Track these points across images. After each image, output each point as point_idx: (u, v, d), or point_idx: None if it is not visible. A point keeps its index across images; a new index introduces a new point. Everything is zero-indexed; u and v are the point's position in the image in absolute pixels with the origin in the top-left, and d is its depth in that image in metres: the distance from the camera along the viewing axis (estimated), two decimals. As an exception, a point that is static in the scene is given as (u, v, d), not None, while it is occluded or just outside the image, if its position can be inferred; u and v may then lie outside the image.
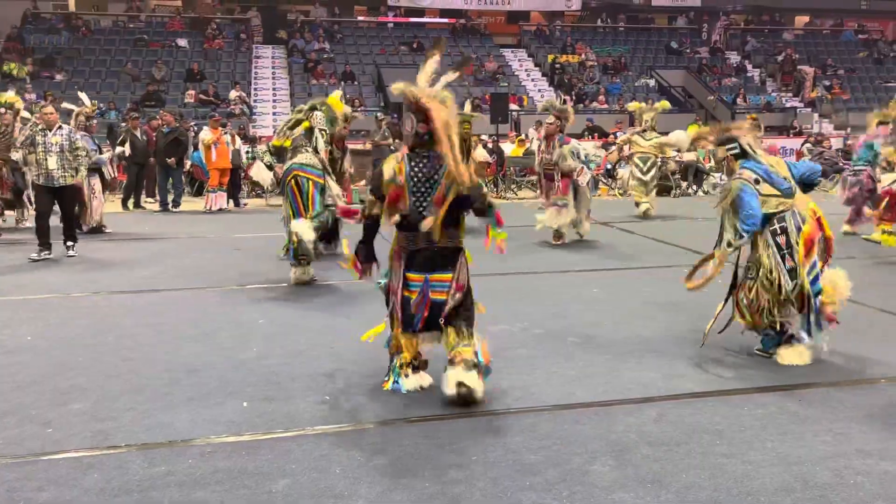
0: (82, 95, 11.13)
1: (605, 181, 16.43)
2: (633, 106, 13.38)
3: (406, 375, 4.08)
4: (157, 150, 13.20)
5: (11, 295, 6.57)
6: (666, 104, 14.06)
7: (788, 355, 4.63)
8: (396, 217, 3.97)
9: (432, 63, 3.99)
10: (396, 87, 4.02)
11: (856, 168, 9.95)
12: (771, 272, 4.59)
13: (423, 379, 4.13)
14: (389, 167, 3.97)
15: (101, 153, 10.61)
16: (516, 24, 26.93)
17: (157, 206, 13.39)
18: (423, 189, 3.93)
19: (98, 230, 10.50)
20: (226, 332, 5.38)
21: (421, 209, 3.93)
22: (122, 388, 4.22)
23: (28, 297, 6.53)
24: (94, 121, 10.88)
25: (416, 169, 3.93)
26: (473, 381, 3.83)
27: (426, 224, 3.88)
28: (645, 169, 11.93)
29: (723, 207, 4.70)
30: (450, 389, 3.84)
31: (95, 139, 10.70)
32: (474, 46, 24.71)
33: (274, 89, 22.21)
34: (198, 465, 3.26)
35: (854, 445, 3.44)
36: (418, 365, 4.15)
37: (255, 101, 21.41)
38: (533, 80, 23.99)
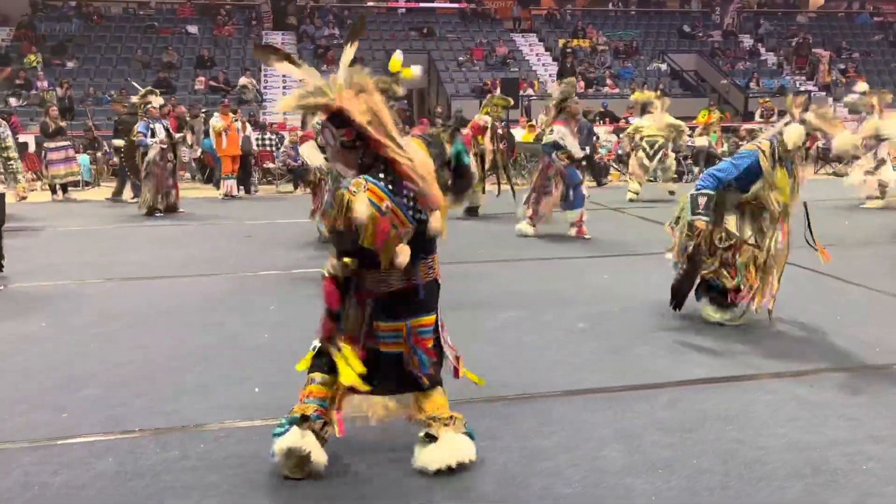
0: (134, 84, 11.40)
1: (616, 167, 16.35)
2: (638, 96, 13.25)
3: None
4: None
5: (23, 282, 6.63)
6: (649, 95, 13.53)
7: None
8: (406, 250, 2.90)
9: (349, 53, 3.06)
10: (286, 105, 3.03)
11: None
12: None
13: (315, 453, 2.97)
14: (361, 203, 2.77)
15: (152, 136, 10.69)
16: (527, 9, 26.73)
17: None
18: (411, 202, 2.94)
19: (173, 209, 10.87)
20: (237, 318, 5.41)
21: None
22: (135, 374, 4.25)
23: (41, 283, 6.58)
24: (152, 106, 10.88)
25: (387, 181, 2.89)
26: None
27: (435, 226, 2.99)
28: (651, 153, 11.78)
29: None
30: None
31: (152, 123, 10.78)
32: (485, 31, 24.58)
33: (284, 76, 22.17)
34: (211, 449, 3.28)
35: (866, 431, 3.43)
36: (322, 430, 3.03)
37: (265, 87, 21.40)
38: (544, 64, 23.83)
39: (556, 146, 8.41)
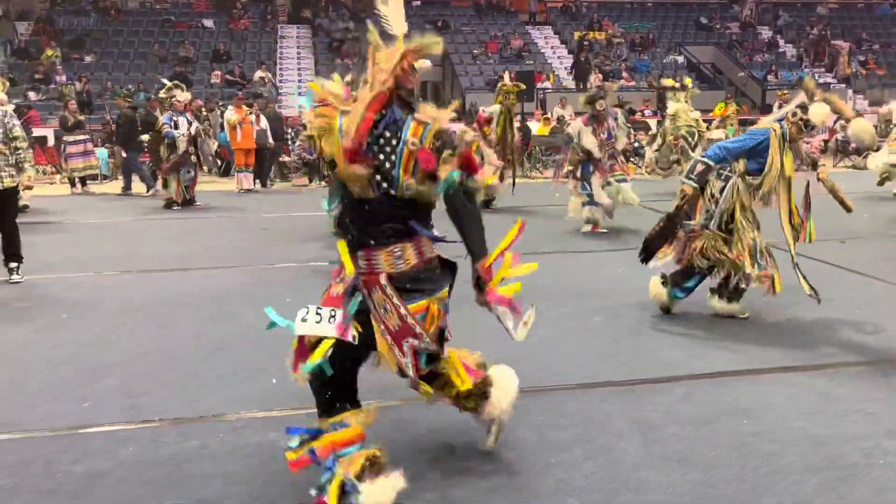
0: (161, 78, 11.55)
1: (632, 160, 16.27)
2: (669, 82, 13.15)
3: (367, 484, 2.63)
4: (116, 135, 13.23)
5: (44, 273, 6.71)
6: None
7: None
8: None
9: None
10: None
11: None
12: None
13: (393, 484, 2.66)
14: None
15: (176, 128, 10.79)
16: (542, 2, 26.58)
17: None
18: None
19: (190, 202, 11.06)
20: (254, 310, 5.43)
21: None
22: (154, 364, 4.31)
23: (61, 275, 6.66)
24: (176, 100, 10.98)
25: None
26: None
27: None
28: (693, 144, 11.70)
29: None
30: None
31: (175, 115, 10.89)
32: (500, 24, 24.49)
33: (299, 69, 22.24)
34: (229, 439, 3.32)
35: (884, 426, 3.41)
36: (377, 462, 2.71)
37: (280, 81, 21.47)
38: (559, 57, 23.72)
39: (571, 139, 8.56)
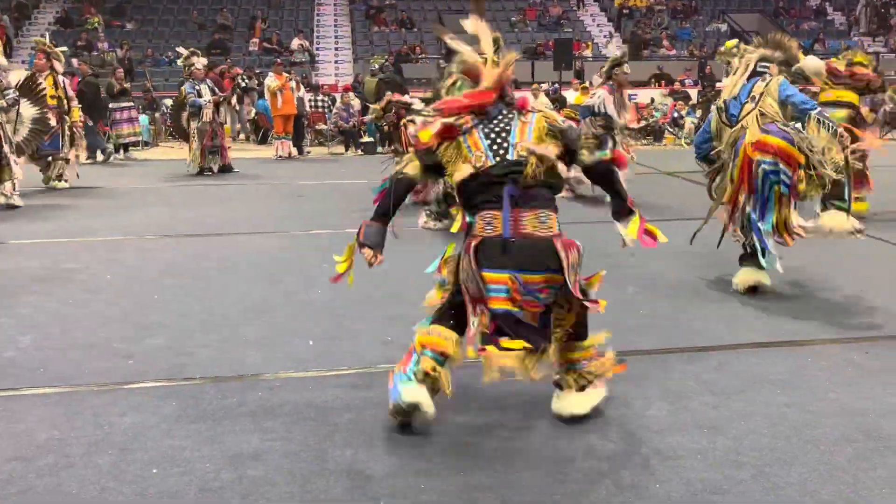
0: (180, 49, 11.75)
1: (670, 130, 16.03)
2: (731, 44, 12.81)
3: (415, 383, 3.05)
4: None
5: (88, 236, 6.91)
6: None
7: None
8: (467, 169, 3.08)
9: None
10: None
11: None
12: None
13: (423, 397, 3.03)
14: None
15: (199, 96, 10.94)
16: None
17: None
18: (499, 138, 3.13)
19: (227, 169, 11.32)
20: (291, 275, 5.55)
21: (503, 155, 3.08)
22: (196, 325, 4.43)
23: (106, 238, 6.85)
24: (195, 66, 11.12)
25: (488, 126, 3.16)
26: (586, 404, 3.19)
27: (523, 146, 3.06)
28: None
29: None
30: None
31: (197, 84, 11.03)
32: (538, -9, 24.13)
33: (336, 37, 22.24)
34: (267, 397, 3.42)
35: (922, 399, 3.38)
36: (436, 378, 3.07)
37: (317, 49, 21.50)
38: (598, 25, 23.32)
39: (591, 111, 8.29)
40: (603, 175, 3.36)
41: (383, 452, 2.93)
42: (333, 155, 14.38)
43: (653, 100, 17.18)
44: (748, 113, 4.65)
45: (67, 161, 9.87)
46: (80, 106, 10.40)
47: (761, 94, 4.65)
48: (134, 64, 18.89)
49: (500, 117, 3.18)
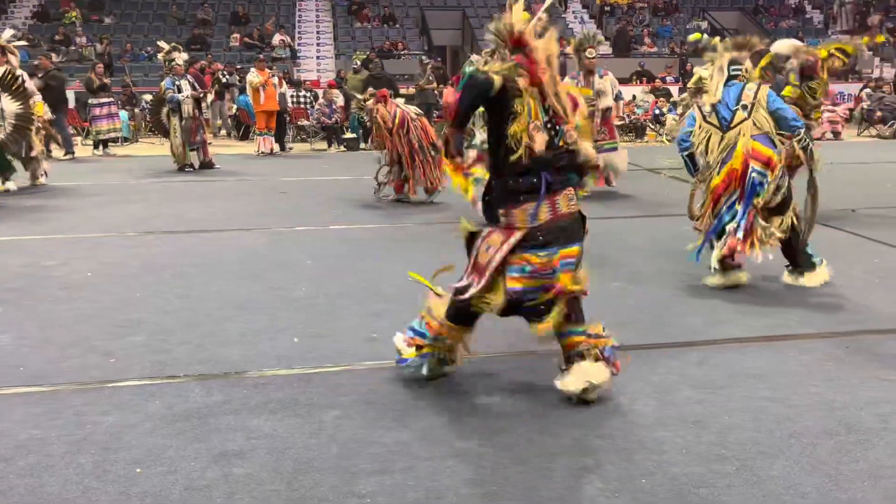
0: (161, 44, 11.61)
1: (652, 127, 16.11)
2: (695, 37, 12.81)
3: (435, 364, 3.49)
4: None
5: (67, 233, 6.82)
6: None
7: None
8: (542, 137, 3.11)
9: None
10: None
11: None
12: None
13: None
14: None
15: (179, 91, 10.82)
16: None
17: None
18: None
19: (208, 165, 11.17)
20: (274, 272, 5.52)
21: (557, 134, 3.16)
22: (178, 322, 4.39)
23: (85, 235, 6.77)
24: (176, 62, 10.98)
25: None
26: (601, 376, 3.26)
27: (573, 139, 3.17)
28: None
29: None
30: (573, 387, 3.26)
31: (177, 79, 10.90)
32: (520, -13, 24.10)
33: (318, 32, 22.10)
34: (252, 395, 3.40)
35: (901, 392, 3.42)
36: (449, 361, 3.53)
37: (298, 44, 21.35)
38: (581, 21, 23.39)
39: None
40: None
41: (370, 450, 2.92)
42: (316, 151, 14.30)
43: (634, 97, 17.26)
44: (741, 121, 4.78)
45: (34, 158, 9.65)
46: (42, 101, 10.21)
47: (752, 103, 4.77)
48: (114, 59, 18.68)
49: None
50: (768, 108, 4.77)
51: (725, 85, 4.88)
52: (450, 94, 3.17)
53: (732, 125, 4.78)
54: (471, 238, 3.34)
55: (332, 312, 4.58)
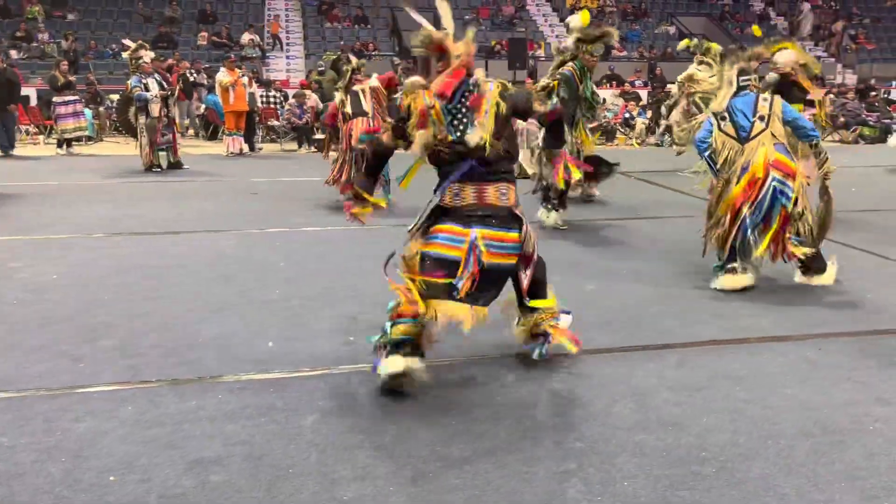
0: (127, 42, 11.37)
1: (622, 130, 16.25)
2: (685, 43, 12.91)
3: (391, 354, 3.32)
4: None
5: (34, 234, 6.65)
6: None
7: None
8: (428, 137, 3.44)
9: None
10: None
11: None
12: None
13: (410, 364, 3.33)
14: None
15: (146, 90, 10.60)
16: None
17: None
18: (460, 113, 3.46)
19: (176, 166, 10.98)
20: (247, 274, 5.43)
21: (461, 128, 3.44)
22: (149, 325, 4.30)
23: (50, 236, 6.60)
24: (143, 60, 10.77)
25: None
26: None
27: (473, 137, 3.41)
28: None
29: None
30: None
31: (144, 77, 10.67)
32: (492, -11, 24.21)
33: (287, 32, 21.91)
34: (227, 400, 3.34)
35: (874, 394, 3.48)
36: (416, 346, 3.36)
37: (267, 44, 21.15)
38: (551, 25, 23.53)
39: None
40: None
41: (350, 455, 2.88)
42: (286, 152, 14.16)
43: (604, 100, 17.39)
44: (760, 132, 4.88)
45: None
46: None
47: (768, 114, 4.90)
48: (78, 56, 18.29)
49: (461, 92, 3.46)
50: (784, 118, 4.92)
51: (735, 95, 5.00)
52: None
53: (752, 136, 4.89)
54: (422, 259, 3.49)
55: (306, 315, 4.52)
